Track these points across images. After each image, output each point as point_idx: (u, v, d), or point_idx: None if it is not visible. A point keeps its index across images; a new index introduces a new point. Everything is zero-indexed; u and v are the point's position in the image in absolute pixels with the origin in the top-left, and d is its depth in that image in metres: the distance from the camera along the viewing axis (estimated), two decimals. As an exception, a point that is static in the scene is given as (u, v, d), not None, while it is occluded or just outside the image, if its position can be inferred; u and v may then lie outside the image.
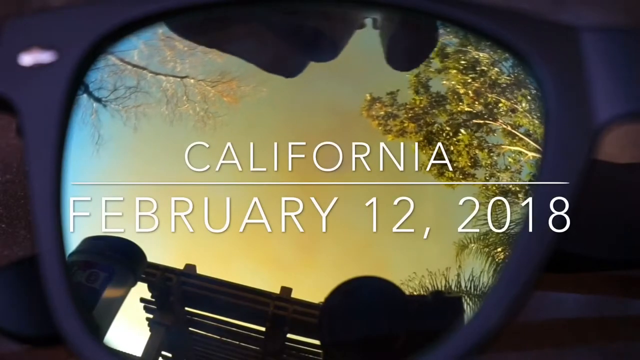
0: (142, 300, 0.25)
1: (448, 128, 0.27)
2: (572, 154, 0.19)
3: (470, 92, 0.27)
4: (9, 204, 0.30)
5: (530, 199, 0.20)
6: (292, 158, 0.26)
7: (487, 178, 0.26)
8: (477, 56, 0.26)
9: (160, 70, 0.26)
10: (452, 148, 0.26)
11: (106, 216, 0.25)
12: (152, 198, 0.25)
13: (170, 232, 0.25)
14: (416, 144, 0.27)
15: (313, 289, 0.25)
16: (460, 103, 0.27)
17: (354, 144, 0.26)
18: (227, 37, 0.25)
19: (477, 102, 0.27)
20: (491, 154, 0.26)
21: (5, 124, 0.30)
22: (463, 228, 0.25)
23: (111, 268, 0.25)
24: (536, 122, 0.25)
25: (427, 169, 0.26)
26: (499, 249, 0.25)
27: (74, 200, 0.20)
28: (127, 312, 0.24)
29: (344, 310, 0.24)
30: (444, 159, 0.26)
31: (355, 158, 0.26)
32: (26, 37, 0.20)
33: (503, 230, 0.25)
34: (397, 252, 0.25)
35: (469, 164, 0.26)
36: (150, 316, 0.25)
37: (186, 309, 0.25)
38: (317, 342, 0.25)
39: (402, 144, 0.27)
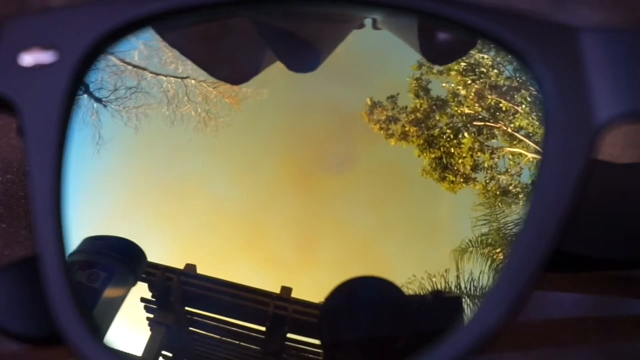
0: (143, 300, 0.25)
1: (449, 131, 0.27)
2: (572, 154, 0.19)
3: (470, 94, 0.27)
4: (9, 203, 0.30)
5: (530, 199, 0.20)
6: (293, 159, 0.26)
7: (488, 180, 0.26)
8: (476, 57, 0.26)
9: (161, 71, 0.26)
10: (453, 150, 0.26)
11: (107, 216, 0.25)
12: (152, 198, 0.25)
13: (171, 232, 0.25)
14: (417, 146, 0.27)
15: (313, 289, 0.25)
16: (461, 105, 0.27)
17: (355, 145, 0.26)
18: (220, 40, 0.25)
19: (477, 104, 0.27)
20: (492, 155, 0.26)
21: (5, 124, 0.30)
22: (464, 229, 0.25)
23: (111, 268, 0.25)
24: (536, 122, 0.25)
25: (429, 171, 0.26)
26: (499, 250, 0.25)
27: (74, 200, 0.20)
28: (127, 311, 0.24)
29: (344, 310, 0.24)
30: (445, 162, 0.26)
31: (356, 160, 0.26)
32: (26, 37, 0.20)
33: (503, 230, 0.25)
34: (397, 252, 0.25)
35: (470, 166, 0.26)
36: (151, 316, 0.25)
37: (186, 308, 0.25)
38: (317, 342, 0.25)
39: (403, 146, 0.27)
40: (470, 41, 0.26)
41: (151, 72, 0.26)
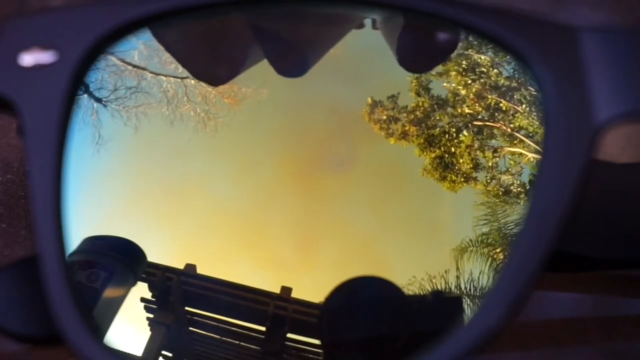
0: (143, 299, 0.25)
1: (450, 130, 0.27)
2: (572, 154, 0.19)
3: (471, 94, 0.27)
4: (9, 203, 0.30)
5: (530, 199, 0.20)
6: (293, 159, 0.26)
7: (488, 180, 0.26)
8: (477, 58, 0.26)
9: (161, 71, 0.26)
10: (453, 150, 0.26)
11: (107, 216, 0.25)
12: (152, 198, 0.25)
13: (171, 232, 0.25)
14: (417, 146, 0.27)
15: (313, 289, 0.25)
16: (461, 105, 0.27)
17: (355, 145, 0.26)
18: (220, 40, 0.25)
19: (477, 104, 0.27)
20: (493, 155, 0.26)
21: (5, 124, 0.30)
22: (464, 229, 0.25)
23: (111, 267, 0.25)
24: (536, 122, 0.25)
25: (429, 170, 0.26)
26: (499, 250, 0.25)
27: (74, 200, 0.20)
28: (127, 311, 0.24)
29: (344, 310, 0.24)
30: (445, 162, 0.26)
31: (356, 160, 0.26)
32: (26, 37, 0.20)
33: (503, 230, 0.25)
34: (397, 252, 0.25)
35: (470, 166, 0.26)
36: (151, 316, 0.25)
37: (186, 308, 0.25)
38: (317, 342, 0.25)
39: (403, 146, 0.27)
40: (470, 42, 0.26)
41: (151, 72, 0.26)
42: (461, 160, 0.26)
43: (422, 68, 0.26)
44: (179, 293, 0.25)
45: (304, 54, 0.26)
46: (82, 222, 0.22)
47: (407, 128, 0.27)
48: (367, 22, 0.25)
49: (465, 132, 0.27)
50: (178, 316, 0.25)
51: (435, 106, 0.27)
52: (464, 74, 0.27)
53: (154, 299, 0.25)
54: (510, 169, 0.26)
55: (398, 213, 0.26)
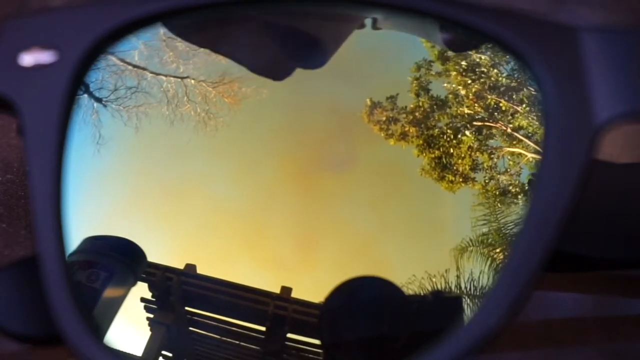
0: (143, 299, 0.25)
1: (449, 131, 0.27)
2: (572, 154, 0.19)
3: (470, 94, 0.27)
4: (9, 203, 0.30)
5: (529, 199, 0.20)
6: (293, 159, 0.26)
7: (488, 180, 0.26)
8: (477, 58, 0.26)
9: (161, 71, 0.26)
10: (452, 151, 0.26)
11: (107, 216, 0.25)
12: (152, 198, 0.25)
13: (171, 232, 0.25)
14: (416, 146, 0.27)
15: (313, 289, 0.25)
16: (461, 106, 0.27)
17: (355, 145, 0.26)
18: (222, 39, 0.25)
19: (477, 105, 0.27)
20: (492, 156, 0.26)
21: (5, 124, 0.30)
22: (464, 229, 0.25)
23: (111, 267, 0.25)
24: (536, 122, 0.25)
25: (428, 171, 0.26)
26: (499, 250, 0.25)
27: (74, 200, 0.20)
28: (127, 311, 0.24)
29: (344, 310, 0.24)
30: (444, 162, 0.26)
31: (356, 160, 0.26)
32: (26, 37, 0.20)
33: (503, 230, 0.25)
34: (397, 252, 0.25)
35: (470, 166, 0.26)
36: (151, 316, 0.25)
37: (186, 308, 0.25)
38: (317, 342, 0.25)
39: (402, 146, 0.27)
40: (470, 42, 0.26)
41: (151, 72, 0.26)
42: (461, 161, 0.26)
43: None
44: (179, 293, 0.25)
45: (321, 45, 0.26)
46: (82, 222, 0.22)
47: (406, 129, 0.27)
48: (368, 22, 0.25)
49: (465, 133, 0.27)
50: (178, 316, 0.25)
51: (435, 107, 0.27)
52: (463, 74, 0.27)
53: (154, 299, 0.25)
54: (510, 169, 0.26)
55: (398, 213, 0.26)
